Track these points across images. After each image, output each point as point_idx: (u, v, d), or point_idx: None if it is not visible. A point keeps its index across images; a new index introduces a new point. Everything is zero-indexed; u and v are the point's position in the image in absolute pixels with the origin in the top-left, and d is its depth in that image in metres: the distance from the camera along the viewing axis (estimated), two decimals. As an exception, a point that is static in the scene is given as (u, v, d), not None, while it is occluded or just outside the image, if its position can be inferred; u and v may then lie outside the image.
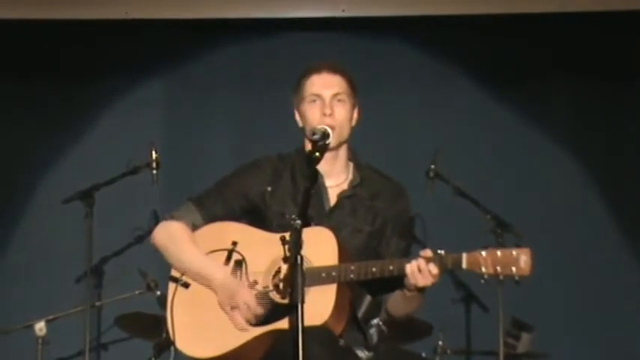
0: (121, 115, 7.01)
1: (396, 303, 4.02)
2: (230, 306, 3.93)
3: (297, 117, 4.14)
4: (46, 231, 6.86)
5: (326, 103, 4.04)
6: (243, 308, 3.90)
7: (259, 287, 3.94)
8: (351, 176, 4.11)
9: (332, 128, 3.97)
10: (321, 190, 4.05)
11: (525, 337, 6.09)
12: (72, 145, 7.01)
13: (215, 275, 3.98)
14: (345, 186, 4.09)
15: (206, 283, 3.99)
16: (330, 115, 4.02)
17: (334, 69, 4.09)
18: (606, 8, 6.77)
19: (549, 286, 6.58)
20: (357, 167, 4.13)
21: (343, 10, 6.91)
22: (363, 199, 4.08)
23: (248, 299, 3.90)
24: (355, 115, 4.12)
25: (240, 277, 3.98)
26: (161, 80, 7.11)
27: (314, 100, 4.05)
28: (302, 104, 4.09)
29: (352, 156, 4.14)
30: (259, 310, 3.90)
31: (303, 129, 4.09)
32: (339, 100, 4.05)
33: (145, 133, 6.47)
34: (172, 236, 4.07)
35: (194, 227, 4.08)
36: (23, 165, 6.99)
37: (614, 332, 6.73)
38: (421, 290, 3.88)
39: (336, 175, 4.09)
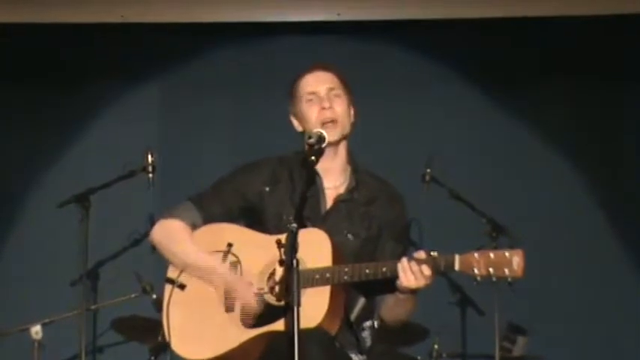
0: (118, 118, 7.01)
1: (389, 308, 4.01)
2: (227, 305, 3.93)
3: (295, 122, 4.14)
4: (41, 234, 6.85)
5: (323, 97, 4.05)
6: (239, 308, 3.90)
7: (254, 289, 3.93)
8: (348, 180, 4.11)
9: (333, 121, 4.01)
10: (319, 192, 4.05)
11: (521, 340, 6.09)
12: (68, 148, 7.01)
13: (217, 270, 3.98)
14: (342, 190, 4.09)
15: (207, 277, 3.99)
16: (330, 108, 4.04)
17: (325, 67, 4.13)
18: (601, 12, 6.78)
19: (545, 290, 6.59)
20: (355, 171, 4.12)
21: (339, 14, 6.93)
22: (359, 204, 4.07)
23: (246, 300, 3.90)
24: (352, 111, 4.13)
25: (235, 279, 3.99)
26: (157, 84, 7.11)
27: (311, 99, 4.07)
28: (299, 105, 4.10)
29: (350, 160, 4.14)
30: (256, 312, 3.90)
31: (302, 133, 4.07)
32: (335, 95, 4.07)
33: (141, 137, 6.47)
34: (172, 234, 4.06)
35: (194, 227, 4.08)
36: (19, 168, 6.98)
37: (609, 336, 6.73)
38: (414, 292, 3.88)
39: (334, 176, 4.09)
